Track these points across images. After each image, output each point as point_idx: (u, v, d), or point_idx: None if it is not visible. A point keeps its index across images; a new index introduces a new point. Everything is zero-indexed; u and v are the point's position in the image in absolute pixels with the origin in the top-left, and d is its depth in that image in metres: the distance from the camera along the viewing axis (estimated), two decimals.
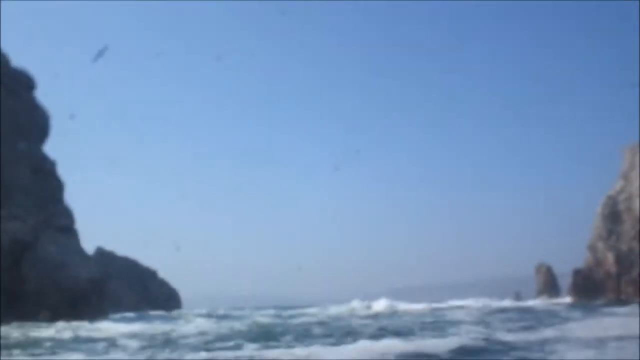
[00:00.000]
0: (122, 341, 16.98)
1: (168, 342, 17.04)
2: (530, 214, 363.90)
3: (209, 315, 40.30)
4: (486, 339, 15.73)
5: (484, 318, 27.84)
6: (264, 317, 33.08)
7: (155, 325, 25.50)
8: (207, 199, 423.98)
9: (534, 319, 27.05)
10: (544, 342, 14.85)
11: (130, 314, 49.65)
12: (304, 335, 18.59)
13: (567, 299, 70.95)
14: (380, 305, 49.92)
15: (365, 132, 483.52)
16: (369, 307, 49.26)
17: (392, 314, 39.12)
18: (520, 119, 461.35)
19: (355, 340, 16.00)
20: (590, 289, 71.07)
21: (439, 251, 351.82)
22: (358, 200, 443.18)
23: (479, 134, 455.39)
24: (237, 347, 14.95)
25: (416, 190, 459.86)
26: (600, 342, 14.41)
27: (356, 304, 52.88)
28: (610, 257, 71.54)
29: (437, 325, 23.23)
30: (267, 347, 14.60)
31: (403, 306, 50.70)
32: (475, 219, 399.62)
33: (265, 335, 18.28)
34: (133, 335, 18.90)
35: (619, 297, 67.65)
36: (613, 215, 75.09)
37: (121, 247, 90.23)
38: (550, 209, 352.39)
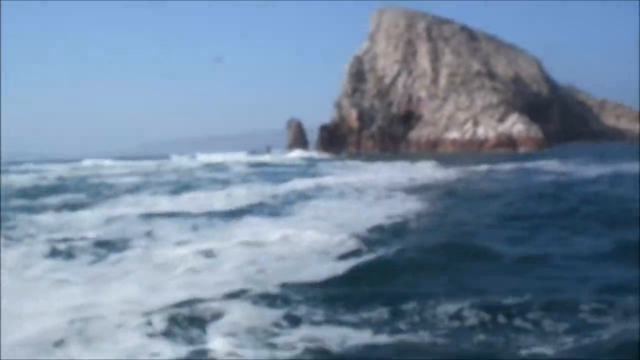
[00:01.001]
0: None
1: None
2: (282, 71, 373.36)
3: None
4: None
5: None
6: None
7: None
8: None
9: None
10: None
11: None
12: None
13: (315, 153, 74.96)
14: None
15: None
16: None
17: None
18: None
19: None
20: (335, 143, 76.12)
21: (198, 106, 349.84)
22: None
23: None
24: None
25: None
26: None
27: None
28: (353, 114, 76.93)
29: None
30: None
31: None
32: (231, 75, 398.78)
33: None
34: None
35: (359, 150, 73.85)
36: (358, 74, 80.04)
37: None
38: (302, 67, 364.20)
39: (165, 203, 16.95)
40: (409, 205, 14.40)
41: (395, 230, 10.57)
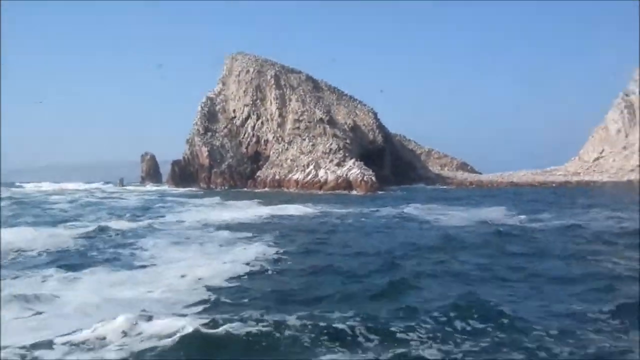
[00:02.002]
0: None
1: None
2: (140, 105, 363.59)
3: None
4: None
5: None
6: None
7: None
8: None
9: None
10: None
11: None
12: None
13: (166, 186, 78.12)
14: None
15: None
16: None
17: None
18: None
19: None
20: (186, 178, 79.93)
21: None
22: None
23: None
24: None
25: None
26: None
27: None
28: (204, 151, 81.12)
29: None
30: None
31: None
32: (88, 107, 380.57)
33: None
34: None
35: (209, 186, 78.01)
36: (210, 114, 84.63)
37: None
38: (160, 103, 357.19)
39: None
40: (260, 250, 15.39)
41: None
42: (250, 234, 19.56)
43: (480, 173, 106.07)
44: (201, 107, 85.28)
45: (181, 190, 70.17)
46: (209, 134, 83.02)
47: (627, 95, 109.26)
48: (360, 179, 67.85)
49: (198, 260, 14.07)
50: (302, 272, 12.78)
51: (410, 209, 30.62)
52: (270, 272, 12.87)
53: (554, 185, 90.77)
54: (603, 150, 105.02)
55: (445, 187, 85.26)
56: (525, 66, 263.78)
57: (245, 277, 12.22)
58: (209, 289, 10.87)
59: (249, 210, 31.31)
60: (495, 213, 27.23)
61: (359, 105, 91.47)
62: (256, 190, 68.36)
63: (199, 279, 11.73)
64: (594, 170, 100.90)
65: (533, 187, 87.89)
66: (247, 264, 13.53)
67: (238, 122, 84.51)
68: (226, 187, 76.51)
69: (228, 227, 22.19)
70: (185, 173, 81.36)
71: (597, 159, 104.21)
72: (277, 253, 15.25)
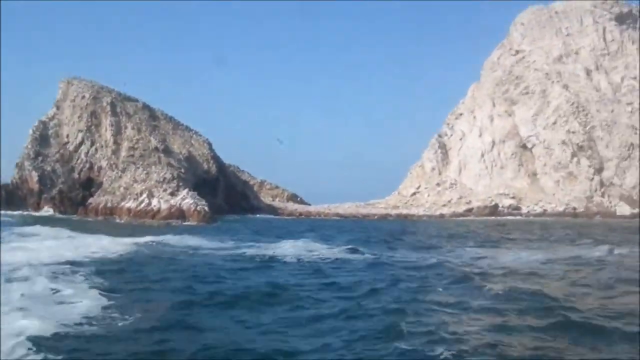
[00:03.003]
0: None
1: None
2: None
3: None
4: None
5: None
6: None
7: None
8: None
9: None
10: None
11: None
12: None
13: None
14: None
15: None
16: None
17: None
18: None
19: None
20: (15, 202, 78.39)
21: None
22: None
23: None
24: None
25: None
26: None
27: None
28: (34, 176, 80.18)
29: None
30: None
31: None
32: None
33: None
34: None
35: (39, 211, 77.06)
36: (42, 139, 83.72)
37: None
38: None
39: None
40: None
41: None
42: None
43: (309, 204, 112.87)
44: (33, 130, 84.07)
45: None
46: (40, 158, 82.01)
47: (440, 136, 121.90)
48: (194, 208, 70.72)
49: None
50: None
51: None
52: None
53: (375, 217, 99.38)
54: (419, 186, 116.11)
55: (277, 217, 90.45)
56: (359, 105, 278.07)
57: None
58: None
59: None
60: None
61: (194, 136, 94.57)
62: (87, 219, 68.63)
63: None
64: (411, 204, 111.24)
65: (357, 218, 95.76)
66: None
67: (71, 148, 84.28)
68: (55, 213, 75.89)
69: None
70: (13, 197, 79.66)
71: (414, 193, 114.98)
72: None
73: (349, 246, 29.98)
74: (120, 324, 11.47)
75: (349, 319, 12.39)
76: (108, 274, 18.64)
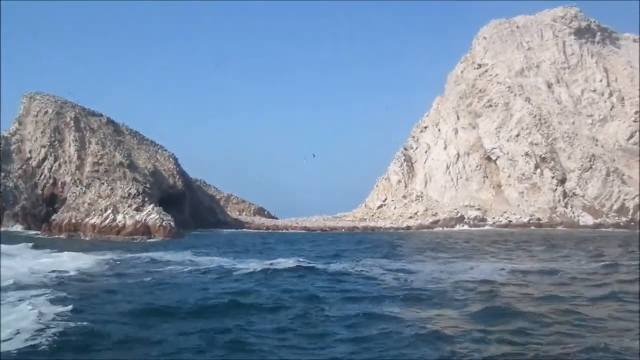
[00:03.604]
0: None
1: None
2: None
3: None
4: None
5: None
6: None
7: None
8: None
9: None
10: None
11: None
12: None
13: None
14: None
15: None
16: None
17: None
18: None
19: None
20: None
21: None
22: None
23: None
24: None
25: None
26: None
27: None
28: None
29: None
30: None
31: None
32: None
33: None
34: None
35: None
36: (4, 154, 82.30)
37: None
38: None
39: None
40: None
41: None
42: None
43: (277, 218, 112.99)
44: None
45: None
46: (2, 174, 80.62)
47: (406, 149, 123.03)
48: (159, 224, 70.13)
49: None
50: None
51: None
52: None
53: (343, 230, 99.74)
54: (386, 199, 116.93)
55: (243, 230, 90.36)
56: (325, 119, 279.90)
57: None
58: None
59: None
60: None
61: (159, 150, 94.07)
62: (49, 237, 67.60)
63: None
64: (378, 217, 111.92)
65: (324, 231, 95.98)
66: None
67: (34, 163, 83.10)
68: (20, 229, 74.81)
69: None
70: None
71: (381, 206, 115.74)
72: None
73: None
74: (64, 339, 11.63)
75: None
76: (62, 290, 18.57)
